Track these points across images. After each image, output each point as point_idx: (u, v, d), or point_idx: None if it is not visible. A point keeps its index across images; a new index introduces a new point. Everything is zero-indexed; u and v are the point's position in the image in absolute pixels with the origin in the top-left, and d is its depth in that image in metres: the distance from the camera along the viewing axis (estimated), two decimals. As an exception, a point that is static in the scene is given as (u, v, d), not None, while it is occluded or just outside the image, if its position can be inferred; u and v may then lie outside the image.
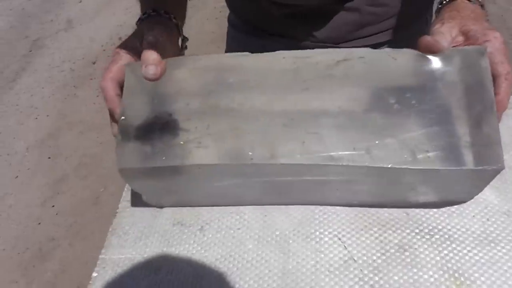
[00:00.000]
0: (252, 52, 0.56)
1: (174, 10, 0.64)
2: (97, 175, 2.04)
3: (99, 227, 1.81)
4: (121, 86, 0.57)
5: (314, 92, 0.53)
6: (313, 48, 0.56)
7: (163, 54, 0.56)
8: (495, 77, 0.50)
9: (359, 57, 0.54)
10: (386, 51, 0.53)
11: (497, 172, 0.49)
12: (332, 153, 0.50)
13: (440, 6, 0.58)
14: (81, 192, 2.00)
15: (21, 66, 2.77)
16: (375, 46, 0.79)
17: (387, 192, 0.56)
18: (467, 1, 0.55)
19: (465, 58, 0.51)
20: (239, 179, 0.54)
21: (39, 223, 1.91)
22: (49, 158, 2.17)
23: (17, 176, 2.10)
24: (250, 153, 0.51)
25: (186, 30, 0.66)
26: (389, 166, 0.48)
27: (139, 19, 0.63)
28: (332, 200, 0.58)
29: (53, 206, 1.96)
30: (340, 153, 0.50)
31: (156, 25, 0.60)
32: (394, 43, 0.79)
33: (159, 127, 0.54)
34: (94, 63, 2.69)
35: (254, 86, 0.55)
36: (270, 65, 0.55)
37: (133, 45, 0.59)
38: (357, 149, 0.50)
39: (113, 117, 0.57)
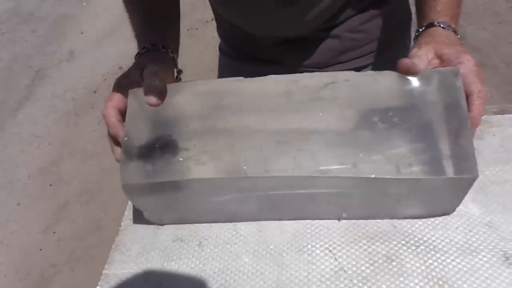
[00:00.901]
0: (244, 77, 0.61)
1: (169, 44, 0.69)
2: (98, 201, 2.07)
3: (100, 253, 1.83)
4: (122, 114, 0.61)
5: (305, 113, 0.58)
6: (301, 73, 0.60)
7: (164, 82, 0.60)
8: (468, 96, 0.54)
9: (344, 79, 0.58)
10: (369, 73, 0.58)
11: (473, 180, 0.53)
12: (321, 168, 0.54)
13: (417, 33, 0.63)
14: (82, 218, 2.02)
15: (24, 96, 2.83)
16: (357, 69, 0.83)
17: (374, 204, 0.59)
18: (442, 28, 0.60)
19: (441, 79, 0.55)
20: (235, 193, 0.58)
21: (41, 250, 1.92)
22: (51, 185, 2.20)
23: (19, 203, 2.13)
24: (245, 167, 0.55)
25: (185, 59, 0.71)
26: (373, 176, 0.52)
27: (138, 53, 0.67)
28: (323, 214, 0.62)
29: (54, 232, 1.98)
30: (329, 167, 0.54)
31: (155, 58, 0.65)
32: (375, 67, 0.85)
33: (159, 147, 0.58)
34: (95, 92, 2.75)
35: (249, 108, 0.59)
36: (263, 89, 0.60)
37: (134, 76, 0.63)
38: (345, 163, 0.54)
39: (115, 141, 0.61)
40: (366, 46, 0.83)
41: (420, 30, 0.62)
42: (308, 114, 0.58)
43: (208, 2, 0.85)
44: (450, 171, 0.52)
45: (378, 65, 0.85)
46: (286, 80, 0.60)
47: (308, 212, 0.62)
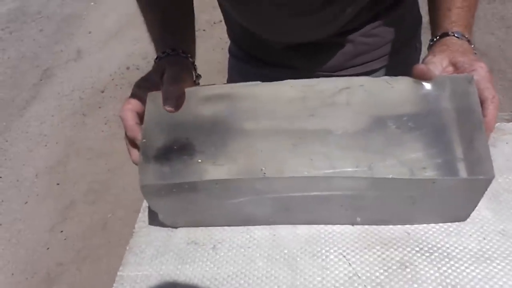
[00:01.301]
0: (255, 81, 0.62)
1: (188, 49, 0.70)
2: (105, 201, 2.08)
3: (107, 252, 1.84)
4: (140, 117, 0.62)
5: (320, 117, 0.59)
6: (313, 77, 0.61)
7: (183, 88, 0.61)
8: (482, 101, 0.55)
9: (359, 85, 0.59)
10: (384, 78, 0.59)
11: (489, 182, 0.53)
12: (337, 170, 0.55)
13: (431, 43, 0.64)
14: (89, 217, 2.03)
15: (32, 94, 2.84)
16: (369, 73, 0.85)
17: (388, 208, 0.60)
18: (456, 38, 0.61)
19: (455, 85, 0.56)
20: (250, 195, 0.59)
21: (48, 248, 1.93)
22: (58, 184, 2.21)
23: (26, 202, 2.14)
24: (263, 169, 0.55)
25: None
26: (390, 176, 0.53)
27: (158, 57, 0.68)
28: (337, 218, 0.62)
29: (61, 231, 1.99)
30: (344, 169, 0.54)
31: (176, 63, 0.65)
32: (387, 69, 0.86)
33: (177, 149, 0.59)
34: (102, 92, 2.76)
35: (264, 112, 0.60)
36: (278, 93, 0.61)
37: (153, 80, 0.64)
38: (360, 166, 0.54)
39: (132, 144, 0.62)
40: (378, 49, 0.83)
41: (435, 39, 0.63)
42: (323, 118, 0.58)
43: (216, 3, 0.85)
44: (465, 173, 0.52)
45: (390, 68, 0.86)
46: (302, 84, 0.61)
47: (322, 215, 0.62)
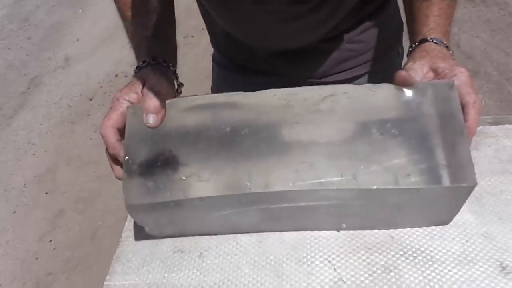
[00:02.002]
0: (239, 89, 0.62)
1: (169, 58, 0.69)
2: (95, 209, 2.07)
3: (96, 261, 1.83)
4: (121, 132, 0.61)
5: (304, 125, 0.59)
6: (298, 84, 0.61)
7: (164, 100, 0.60)
8: (463, 106, 0.56)
9: (343, 92, 0.59)
10: (367, 86, 0.59)
11: (471, 189, 0.54)
12: (322, 180, 0.55)
13: (410, 49, 0.65)
14: (79, 226, 2.02)
15: (19, 103, 2.82)
16: (354, 78, 0.86)
17: (374, 214, 0.60)
18: (434, 44, 0.62)
19: (436, 91, 0.57)
20: (237, 208, 0.59)
21: (37, 258, 1.92)
22: (47, 193, 2.20)
23: (14, 212, 2.13)
24: (248, 184, 0.55)
25: (181, 67, 0.71)
26: (375, 187, 0.53)
27: (138, 66, 0.66)
28: (323, 225, 0.63)
29: (50, 241, 1.98)
30: (329, 179, 0.55)
31: (156, 73, 0.64)
32: (372, 75, 0.87)
33: (161, 164, 0.58)
34: (91, 99, 2.75)
35: (248, 122, 0.60)
36: (262, 102, 0.61)
37: (134, 91, 0.63)
38: (345, 175, 0.55)
39: (115, 161, 0.61)
40: (363, 55, 0.84)
41: (414, 45, 0.64)
42: (308, 126, 0.59)
43: None
44: (447, 180, 0.53)
45: (375, 73, 0.87)
46: (285, 93, 0.61)
47: (308, 223, 0.63)
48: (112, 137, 0.59)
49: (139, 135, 0.60)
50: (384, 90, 0.59)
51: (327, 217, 0.61)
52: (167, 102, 0.61)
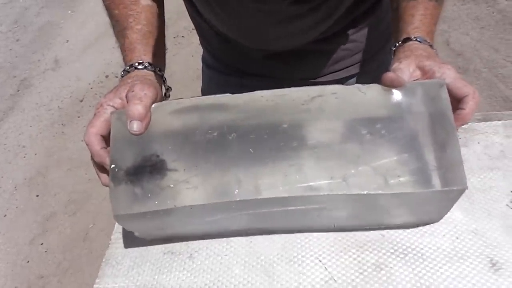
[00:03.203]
0: (231, 92, 0.60)
1: (157, 61, 0.67)
2: (86, 211, 2.05)
3: (88, 263, 1.82)
4: (105, 138, 0.59)
5: (293, 127, 0.58)
6: (291, 85, 0.60)
7: (149, 106, 0.58)
8: (463, 97, 0.55)
9: (331, 92, 0.59)
10: (356, 86, 0.58)
11: (462, 191, 0.54)
12: (311, 183, 0.54)
13: (393, 48, 0.64)
14: (70, 229, 2.00)
15: (9, 105, 2.80)
16: (348, 78, 0.86)
17: (364, 216, 0.60)
18: (418, 42, 0.61)
19: (426, 90, 0.56)
20: (227, 213, 0.58)
21: (28, 261, 1.90)
22: (37, 196, 2.18)
23: (5, 215, 2.11)
24: (237, 191, 0.54)
25: (172, 67, 0.70)
26: (365, 192, 0.53)
27: (124, 70, 0.65)
28: (313, 227, 0.62)
29: (41, 243, 1.97)
30: (319, 182, 0.54)
31: (142, 77, 0.63)
32: (364, 74, 0.87)
33: (148, 170, 0.57)
34: (81, 101, 2.73)
35: (236, 125, 0.58)
36: (250, 104, 0.59)
37: (118, 96, 0.60)
38: (334, 177, 0.54)
39: (101, 168, 0.59)
40: (357, 54, 0.84)
41: (397, 44, 0.63)
42: (296, 128, 0.58)
43: None
44: (438, 183, 0.53)
45: (368, 71, 0.87)
46: (273, 94, 0.60)
47: (298, 225, 0.62)
48: (97, 144, 0.57)
49: (125, 140, 0.58)
50: (373, 91, 0.58)
51: (317, 219, 0.60)
52: (153, 106, 0.59)
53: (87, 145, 0.58)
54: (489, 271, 0.56)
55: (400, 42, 0.63)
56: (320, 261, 0.60)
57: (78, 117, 2.61)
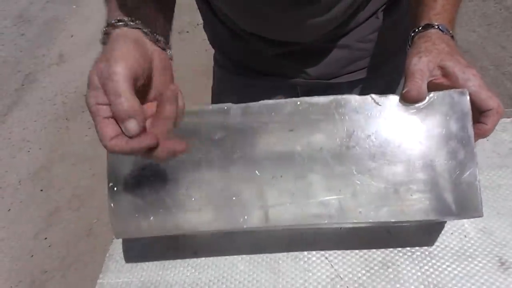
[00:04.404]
0: (243, 92, 0.56)
1: (149, 19, 0.54)
2: (90, 206, 2.05)
3: (92, 258, 1.82)
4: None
5: (300, 137, 0.54)
6: (303, 85, 0.56)
7: (135, 78, 0.45)
8: (486, 111, 0.51)
9: (343, 102, 0.54)
10: (372, 96, 0.54)
11: (476, 218, 0.51)
12: (320, 199, 0.52)
13: (413, 34, 0.59)
14: (74, 223, 2.00)
15: (13, 100, 2.80)
16: (363, 80, 0.82)
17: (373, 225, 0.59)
18: (441, 32, 0.56)
19: (448, 104, 0.52)
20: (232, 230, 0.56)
21: (32, 256, 1.90)
22: (42, 190, 2.18)
23: (9, 209, 2.11)
24: (245, 218, 0.52)
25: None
26: (375, 221, 0.51)
27: (105, 32, 0.50)
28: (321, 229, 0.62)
29: (45, 238, 1.97)
30: (327, 198, 0.52)
31: (122, 39, 0.48)
32: (382, 77, 0.83)
33: (148, 184, 0.54)
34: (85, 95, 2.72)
35: (239, 140, 0.55)
36: (253, 116, 0.55)
37: (93, 87, 0.45)
38: (343, 192, 0.52)
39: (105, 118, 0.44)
40: (374, 55, 0.81)
41: (417, 30, 0.58)
42: (303, 139, 0.54)
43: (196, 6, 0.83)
44: (453, 211, 0.50)
45: (386, 74, 0.83)
46: (276, 104, 0.55)
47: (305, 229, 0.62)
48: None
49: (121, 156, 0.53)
50: (390, 101, 0.54)
51: (324, 227, 0.60)
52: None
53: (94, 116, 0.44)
54: (498, 270, 0.55)
55: (420, 28, 0.58)
56: (326, 258, 0.59)
57: (83, 112, 2.60)
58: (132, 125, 0.43)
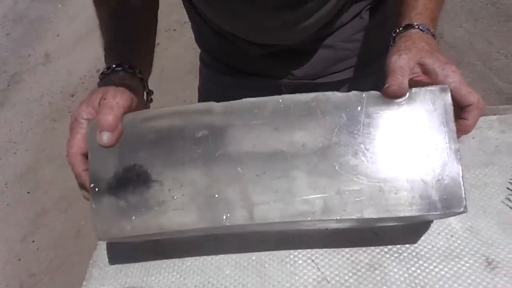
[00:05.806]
0: (230, 92, 0.56)
1: (140, 62, 0.63)
2: (78, 208, 2.03)
3: (80, 261, 1.80)
4: (86, 156, 0.56)
5: (283, 134, 0.54)
6: (289, 85, 0.56)
7: (120, 115, 0.55)
8: (466, 106, 0.52)
9: (325, 99, 0.54)
10: (353, 93, 0.54)
11: (460, 213, 0.51)
12: (305, 197, 0.51)
13: (394, 34, 0.60)
14: (62, 225, 1.98)
15: (-1, 101, 2.77)
16: (349, 80, 0.82)
17: (357, 225, 0.58)
18: (421, 31, 0.57)
19: (429, 98, 0.52)
20: (215, 232, 0.57)
21: (19, 259, 1.89)
22: (29, 192, 2.16)
23: (-4, 212, 2.09)
24: (227, 215, 0.52)
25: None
26: (360, 217, 0.50)
27: (103, 73, 0.61)
28: (307, 231, 0.61)
29: (33, 241, 1.95)
30: (312, 196, 0.51)
31: (118, 82, 0.59)
32: (365, 77, 0.83)
33: (131, 184, 0.54)
34: (72, 96, 2.70)
35: (222, 136, 0.55)
36: (236, 113, 0.55)
37: (92, 106, 0.57)
38: (327, 191, 0.51)
39: (82, 186, 0.57)
40: (360, 55, 0.80)
41: (398, 30, 0.59)
42: (286, 136, 0.54)
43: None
44: (438, 206, 0.50)
45: (370, 74, 0.82)
46: (259, 102, 0.55)
47: (289, 230, 0.61)
48: (79, 166, 0.55)
49: (103, 154, 0.55)
50: (371, 98, 0.54)
51: (310, 227, 0.59)
52: (134, 113, 0.56)
53: (70, 164, 0.56)
54: (485, 270, 0.55)
55: (401, 28, 0.59)
56: (312, 261, 0.58)
57: (69, 112, 2.58)
58: (105, 136, 0.54)
